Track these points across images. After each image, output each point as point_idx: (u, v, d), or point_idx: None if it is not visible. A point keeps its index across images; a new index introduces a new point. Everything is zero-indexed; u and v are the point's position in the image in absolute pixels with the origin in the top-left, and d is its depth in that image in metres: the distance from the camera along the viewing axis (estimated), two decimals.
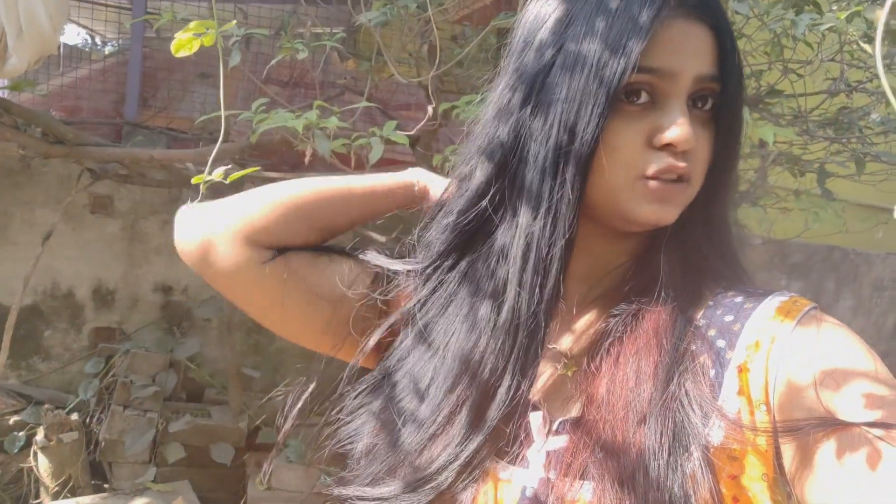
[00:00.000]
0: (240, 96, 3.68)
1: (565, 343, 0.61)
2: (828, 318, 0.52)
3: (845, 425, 0.45)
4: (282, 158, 2.85)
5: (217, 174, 0.42)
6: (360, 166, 1.85)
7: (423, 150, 2.44)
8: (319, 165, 2.48)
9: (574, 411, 0.55)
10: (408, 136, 1.77)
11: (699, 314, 0.57)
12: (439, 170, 1.87)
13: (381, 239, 2.79)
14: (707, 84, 0.56)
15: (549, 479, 0.54)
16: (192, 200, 0.47)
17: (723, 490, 0.49)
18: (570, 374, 0.59)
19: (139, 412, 2.45)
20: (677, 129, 0.54)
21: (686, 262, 0.59)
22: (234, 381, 2.59)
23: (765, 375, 0.50)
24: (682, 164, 0.55)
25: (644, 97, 0.55)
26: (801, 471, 0.47)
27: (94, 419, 2.48)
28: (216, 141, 2.89)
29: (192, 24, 0.72)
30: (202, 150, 2.06)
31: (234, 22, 1.34)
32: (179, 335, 2.71)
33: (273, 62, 1.60)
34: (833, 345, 0.50)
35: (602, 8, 0.54)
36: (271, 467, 2.55)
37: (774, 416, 0.49)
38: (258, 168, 0.54)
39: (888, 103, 2.20)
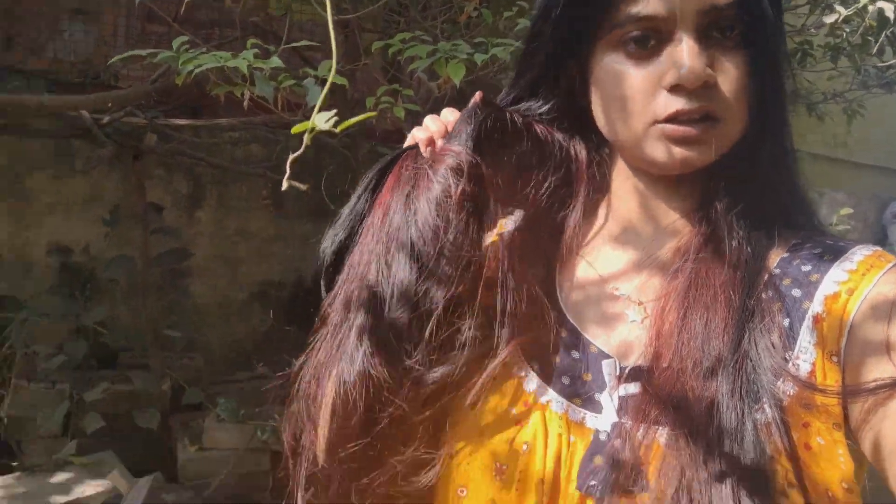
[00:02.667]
0: (119, 34, 3.35)
1: (635, 291, 0.60)
2: None
3: None
4: (184, 103, 2.64)
5: (327, 120, 0.36)
6: (290, 110, 1.74)
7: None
8: (236, 109, 2.32)
9: (645, 360, 0.55)
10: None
11: (773, 263, 0.56)
12: (375, 111, 1.81)
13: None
14: (722, 12, 0.53)
15: (622, 423, 0.53)
16: (294, 152, 0.40)
17: (795, 437, 0.49)
18: (640, 321, 0.58)
19: (47, 384, 2.26)
20: (681, 67, 0.52)
21: (754, 209, 0.57)
22: (152, 343, 2.44)
23: (839, 326, 0.51)
24: (693, 105, 0.53)
25: (652, 41, 0.54)
26: (865, 424, 0.48)
27: None
28: (102, 85, 2.62)
29: None
30: (100, 96, 1.86)
31: None
32: (83, 299, 2.49)
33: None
34: None
35: None
36: (201, 427, 2.46)
37: (844, 370, 0.50)
38: (371, 115, 0.48)
39: None
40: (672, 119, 0.53)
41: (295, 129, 0.41)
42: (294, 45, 1.50)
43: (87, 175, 2.53)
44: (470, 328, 0.56)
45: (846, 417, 0.50)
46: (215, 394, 2.62)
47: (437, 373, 0.55)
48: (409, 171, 0.59)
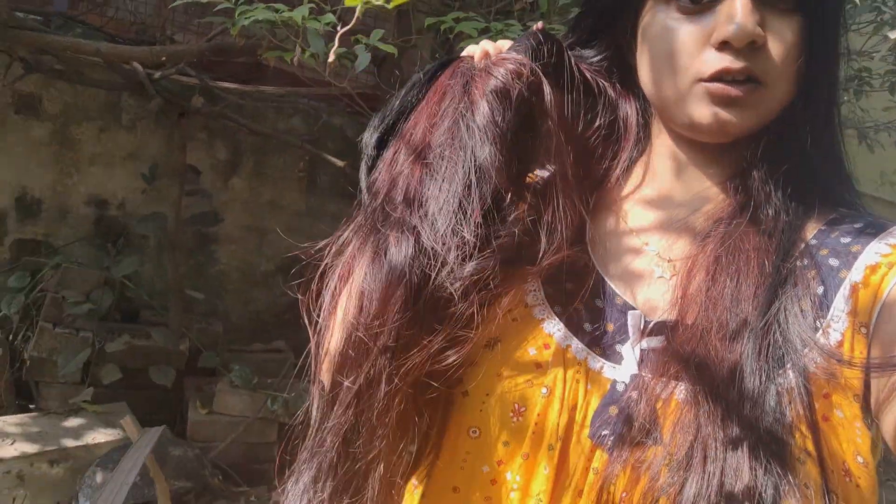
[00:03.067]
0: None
1: (665, 249, 0.58)
2: None
3: None
4: (235, 71, 2.67)
5: None
6: (335, 76, 1.75)
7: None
8: (283, 80, 2.34)
9: (671, 314, 0.54)
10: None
11: (810, 235, 0.55)
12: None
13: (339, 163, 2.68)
14: None
15: (642, 376, 0.52)
16: (340, 27, 0.40)
17: (816, 406, 0.48)
18: (668, 278, 0.57)
19: (71, 330, 2.29)
20: (730, 24, 0.50)
21: (794, 182, 0.56)
22: (175, 303, 2.46)
23: (874, 298, 0.49)
24: (740, 64, 0.51)
25: None
26: (886, 399, 0.47)
27: (20, 336, 2.31)
28: (156, 45, 2.65)
29: None
30: (155, 49, 1.88)
31: None
32: (115, 252, 2.53)
33: None
34: None
35: None
36: (214, 391, 2.48)
37: (871, 344, 0.49)
38: None
39: None
40: (716, 78, 0.52)
41: (349, 2, 0.40)
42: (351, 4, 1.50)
43: (132, 130, 2.57)
44: (511, 229, 0.53)
45: (867, 392, 0.48)
46: (231, 360, 2.64)
47: (470, 267, 0.51)
48: (467, 68, 0.57)
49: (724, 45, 0.52)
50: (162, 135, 2.60)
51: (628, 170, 0.64)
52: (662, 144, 0.61)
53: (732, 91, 0.52)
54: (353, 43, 1.56)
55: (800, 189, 0.56)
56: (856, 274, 0.51)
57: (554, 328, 0.56)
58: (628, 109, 0.64)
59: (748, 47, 0.51)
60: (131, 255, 2.49)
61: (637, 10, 0.58)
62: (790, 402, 0.47)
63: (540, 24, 0.59)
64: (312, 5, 1.30)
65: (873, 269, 0.50)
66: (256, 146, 2.79)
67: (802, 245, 0.54)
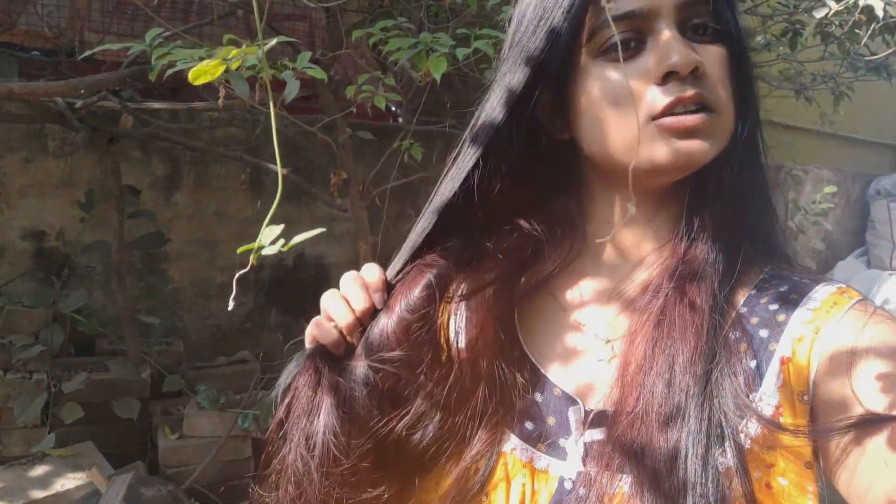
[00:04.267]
0: (94, 7, 3.22)
1: (603, 328, 0.59)
2: (876, 309, 0.52)
3: (883, 419, 0.46)
4: (158, 84, 2.56)
5: (272, 241, 0.35)
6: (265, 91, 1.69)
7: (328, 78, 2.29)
8: (214, 91, 2.24)
9: (611, 402, 0.54)
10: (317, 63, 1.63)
11: (741, 301, 0.56)
12: (355, 100, 1.76)
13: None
14: (696, 9, 0.53)
15: (588, 472, 0.53)
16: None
17: (755, 476, 0.49)
18: (608, 361, 0.57)
19: (24, 374, 2.23)
20: (670, 54, 0.51)
21: (730, 233, 0.57)
22: (130, 330, 2.41)
23: (807, 366, 0.50)
24: (690, 91, 0.51)
25: (633, 43, 0.53)
26: (838, 461, 0.48)
27: None
28: (75, 61, 2.51)
29: None
30: (73, 82, 1.79)
31: None
32: (60, 286, 2.45)
33: None
34: (878, 335, 0.49)
35: None
36: (181, 415, 2.45)
37: (813, 409, 0.50)
38: (321, 231, 0.46)
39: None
40: (669, 111, 0.52)
41: (241, 250, 0.39)
42: (272, 41, 1.44)
43: (60, 157, 2.46)
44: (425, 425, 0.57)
45: (817, 457, 0.50)
46: (196, 379, 2.60)
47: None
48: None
49: (667, 78, 0.52)
50: (94, 160, 2.49)
51: (564, 247, 0.64)
52: (605, 210, 0.61)
53: (688, 120, 0.52)
54: (281, 67, 1.50)
55: (734, 246, 0.57)
56: (784, 348, 0.52)
57: (501, 436, 0.57)
58: (551, 211, 0.64)
59: (692, 74, 0.52)
60: (78, 288, 2.41)
61: (562, 78, 0.57)
62: (729, 482, 0.49)
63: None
64: (233, 47, 1.24)
65: (800, 339, 0.52)
66: (196, 158, 2.70)
67: (734, 313, 0.55)
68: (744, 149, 0.57)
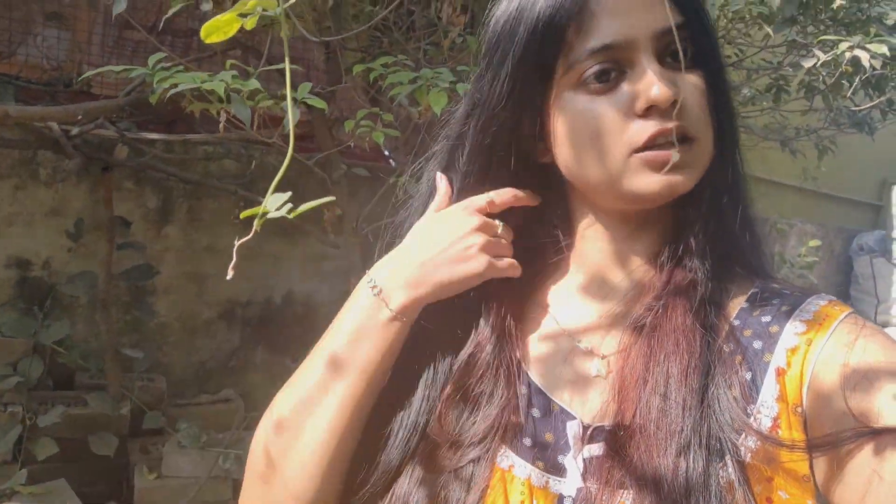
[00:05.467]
0: (94, 41, 3.26)
1: (598, 344, 0.59)
2: (867, 322, 0.52)
3: (878, 432, 0.46)
4: (155, 116, 2.57)
5: (279, 206, 0.34)
6: (262, 127, 1.69)
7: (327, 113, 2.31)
8: (211, 123, 2.26)
9: (608, 418, 0.54)
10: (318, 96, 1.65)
11: (733, 314, 0.56)
12: (353, 136, 1.77)
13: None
14: (672, 36, 0.53)
15: (588, 488, 0.52)
16: (239, 239, 0.38)
17: (756, 490, 0.49)
18: (604, 376, 0.57)
19: None
20: (651, 88, 0.52)
21: (716, 249, 0.57)
22: (112, 364, 2.34)
23: (800, 378, 0.50)
24: (670, 124, 0.52)
25: (613, 74, 0.53)
26: (832, 475, 0.48)
27: None
28: (72, 91, 2.53)
29: None
30: (70, 108, 1.79)
31: None
32: (42, 316, 2.39)
33: (170, 13, 1.40)
34: (869, 348, 0.50)
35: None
36: (161, 453, 2.37)
37: (807, 421, 0.50)
38: (330, 200, 0.45)
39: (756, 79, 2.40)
40: (651, 144, 0.52)
41: (244, 214, 0.38)
42: (272, 67, 1.46)
43: (51, 186, 2.44)
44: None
45: (812, 470, 0.49)
46: (177, 416, 2.53)
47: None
48: None
49: (649, 111, 0.52)
50: (86, 189, 2.47)
51: (554, 263, 0.64)
52: (589, 227, 0.62)
53: (668, 155, 0.52)
54: (281, 96, 1.52)
55: (723, 261, 0.57)
56: (779, 358, 0.52)
57: (496, 451, 0.56)
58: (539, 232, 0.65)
59: (672, 107, 0.52)
60: (61, 319, 2.36)
61: (541, 107, 0.58)
62: (732, 496, 0.48)
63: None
64: (234, 72, 1.25)
65: (793, 350, 0.52)
66: (189, 192, 2.69)
67: (727, 326, 0.55)
68: (724, 166, 0.58)
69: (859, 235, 5.40)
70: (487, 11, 0.60)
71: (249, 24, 0.39)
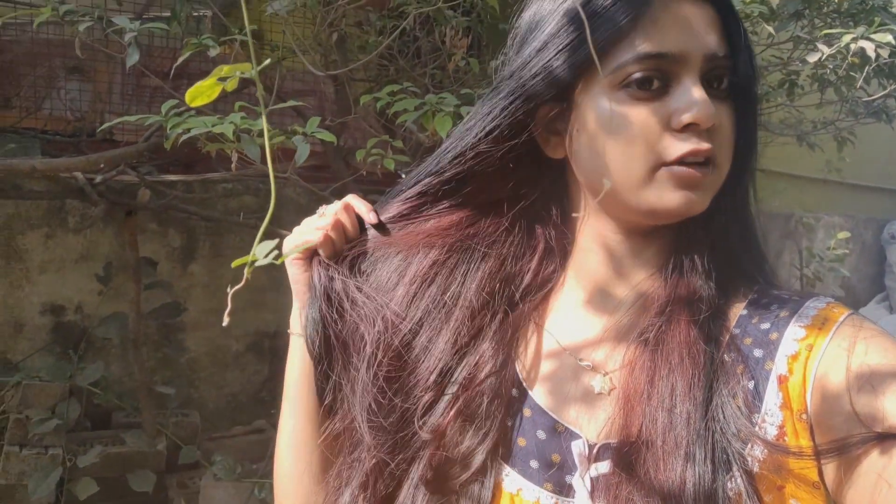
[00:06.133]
0: (114, 90, 3.37)
1: (600, 360, 0.59)
2: (867, 323, 0.52)
3: (884, 437, 0.45)
4: (177, 158, 2.65)
5: (267, 254, 0.36)
6: (276, 161, 1.74)
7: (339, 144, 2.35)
8: (228, 162, 2.32)
9: (614, 435, 0.54)
10: (327, 129, 1.69)
11: (733, 322, 0.56)
12: (364, 164, 1.81)
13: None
14: (718, 62, 0.54)
15: None
16: (231, 287, 0.40)
17: (767, 500, 0.49)
18: (607, 393, 0.57)
19: (39, 450, 2.21)
20: (697, 106, 0.52)
21: (717, 264, 0.58)
22: (146, 402, 2.39)
23: (803, 384, 0.50)
24: (706, 145, 0.52)
25: (656, 83, 0.53)
26: (842, 480, 0.47)
27: None
28: (95, 140, 2.62)
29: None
30: (93, 157, 1.86)
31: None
32: (77, 359, 2.46)
33: (180, 61, 1.45)
34: (871, 350, 0.49)
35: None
36: (198, 487, 2.40)
37: (813, 427, 0.49)
38: (310, 245, 0.48)
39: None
40: (681, 161, 0.53)
41: (235, 263, 0.40)
42: (280, 105, 1.50)
43: (80, 233, 2.52)
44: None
45: (822, 475, 0.49)
46: (212, 450, 2.57)
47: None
48: None
49: (686, 128, 0.52)
50: (112, 233, 2.55)
51: (549, 278, 0.64)
52: (591, 238, 0.61)
53: (696, 174, 0.53)
54: (291, 132, 1.56)
55: (726, 270, 0.57)
56: (780, 366, 0.52)
57: (500, 473, 0.56)
58: (536, 230, 0.66)
59: (708, 130, 0.53)
60: (95, 361, 2.42)
61: (569, 101, 0.57)
62: None
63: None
64: (243, 114, 1.30)
65: (794, 357, 0.51)
66: (211, 229, 2.75)
67: (727, 336, 0.55)
68: (732, 187, 0.58)
69: (890, 224, 5.28)
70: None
71: (230, 86, 0.41)
